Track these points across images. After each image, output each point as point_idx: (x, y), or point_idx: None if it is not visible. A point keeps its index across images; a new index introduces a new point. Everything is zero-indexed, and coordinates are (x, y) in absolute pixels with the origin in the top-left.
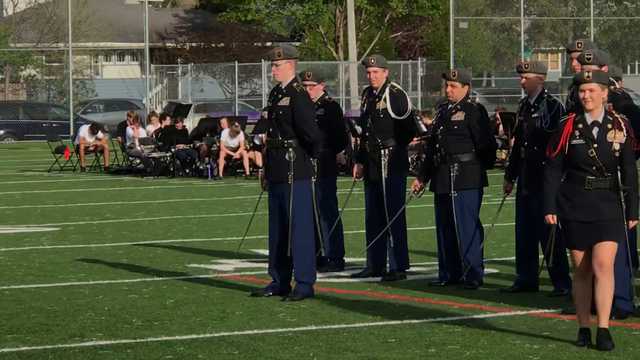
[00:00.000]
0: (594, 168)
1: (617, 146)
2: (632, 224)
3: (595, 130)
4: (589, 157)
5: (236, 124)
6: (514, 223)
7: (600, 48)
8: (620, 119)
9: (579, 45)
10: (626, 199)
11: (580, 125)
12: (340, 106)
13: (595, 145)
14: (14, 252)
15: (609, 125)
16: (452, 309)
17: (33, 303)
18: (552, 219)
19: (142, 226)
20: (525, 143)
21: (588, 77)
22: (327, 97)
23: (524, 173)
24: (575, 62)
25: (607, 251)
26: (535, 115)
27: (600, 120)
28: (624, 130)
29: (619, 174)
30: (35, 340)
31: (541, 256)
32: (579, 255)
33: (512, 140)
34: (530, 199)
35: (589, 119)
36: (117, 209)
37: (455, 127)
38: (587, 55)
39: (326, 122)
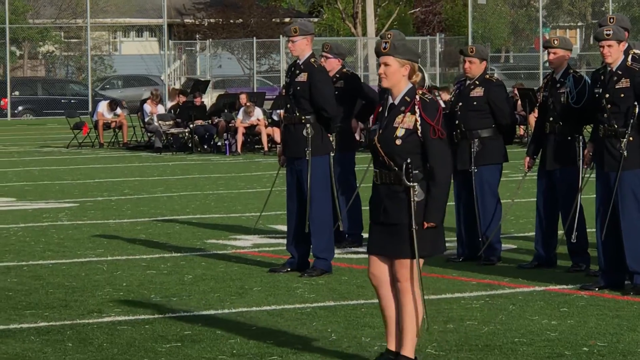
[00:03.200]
0: (380, 159)
1: (400, 132)
2: (425, 225)
3: (388, 114)
4: (372, 144)
5: (247, 103)
6: (533, 199)
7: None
8: (417, 101)
9: (611, 20)
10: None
11: (380, 109)
12: (359, 77)
13: (381, 131)
14: (32, 227)
15: (402, 108)
16: (471, 284)
17: (51, 279)
18: None
19: (161, 202)
20: (551, 118)
21: (384, 48)
22: (345, 69)
23: (548, 148)
24: None
25: (401, 272)
26: (561, 90)
27: (397, 101)
28: (417, 114)
29: (408, 167)
30: (54, 316)
31: (560, 231)
32: (373, 261)
33: (531, 116)
34: (553, 175)
35: (389, 100)
36: (135, 185)
37: (475, 102)
38: (607, 30)
39: (346, 93)
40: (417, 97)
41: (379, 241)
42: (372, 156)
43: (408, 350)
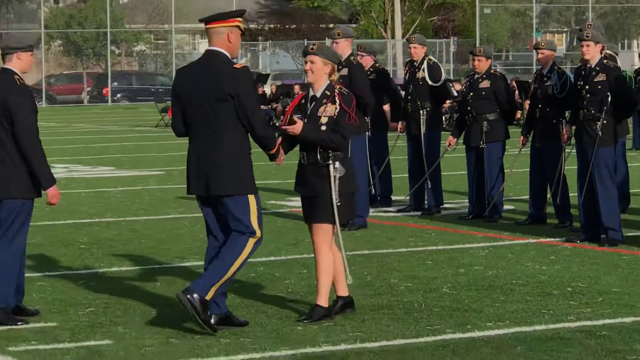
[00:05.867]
0: (305, 144)
1: (324, 120)
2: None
3: (311, 106)
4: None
5: (300, 92)
6: (528, 169)
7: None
8: (337, 93)
9: (589, 26)
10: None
11: (303, 101)
12: (389, 73)
13: (306, 120)
14: (128, 190)
15: (324, 100)
16: (478, 237)
17: (144, 231)
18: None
19: None
20: (539, 105)
21: (312, 48)
22: (377, 64)
23: (538, 129)
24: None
25: (319, 234)
26: (547, 83)
27: (318, 95)
28: (337, 103)
29: (329, 150)
30: (146, 261)
31: (549, 195)
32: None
33: (527, 103)
34: (542, 150)
35: (311, 93)
36: None
37: (483, 92)
38: (587, 33)
39: (378, 84)
40: (337, 90)
41: (307, 212)
42: (299, 142)
43: (322, 300)
